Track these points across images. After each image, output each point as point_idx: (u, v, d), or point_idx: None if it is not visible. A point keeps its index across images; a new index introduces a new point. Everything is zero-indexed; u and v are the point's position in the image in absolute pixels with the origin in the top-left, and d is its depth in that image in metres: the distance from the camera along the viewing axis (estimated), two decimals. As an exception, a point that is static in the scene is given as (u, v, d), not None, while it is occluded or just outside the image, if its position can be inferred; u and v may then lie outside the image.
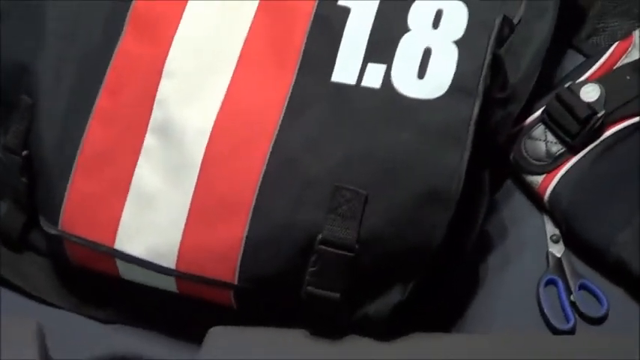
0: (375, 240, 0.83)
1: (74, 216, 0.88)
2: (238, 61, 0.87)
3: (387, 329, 0.86)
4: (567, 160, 0.98)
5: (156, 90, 0.87)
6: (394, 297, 0.85)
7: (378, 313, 0.85)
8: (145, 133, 0.87)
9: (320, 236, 0.82)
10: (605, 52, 1.02)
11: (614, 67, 1.01)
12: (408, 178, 0.82)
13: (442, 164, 0.82)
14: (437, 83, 0.84)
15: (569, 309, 0.93)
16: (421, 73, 0.85)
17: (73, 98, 0.89)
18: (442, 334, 0.89)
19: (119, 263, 0.88)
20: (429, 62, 0.85)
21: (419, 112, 0.84)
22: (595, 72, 1.01)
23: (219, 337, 0.87)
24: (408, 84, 0.84)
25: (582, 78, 1.01)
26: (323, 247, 0.82)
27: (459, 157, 0.82)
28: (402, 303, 0.85)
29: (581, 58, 1.05)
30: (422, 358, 0.86)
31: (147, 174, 0.87)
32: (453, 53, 0.85)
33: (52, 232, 0.89)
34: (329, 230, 0.82)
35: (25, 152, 0.90)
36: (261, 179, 0.84)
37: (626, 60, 1.01)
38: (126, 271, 0.89)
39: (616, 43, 1.02)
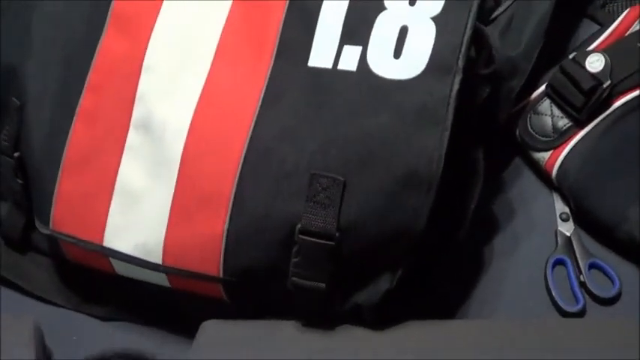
0: (356, 227, 0.80)
1: (64, 216, 0.88)
2: (215, 54, 0.86)
3: (382, 318, 0.84)
4: (574, 134, 0.93)
5: (136, 86, 0.87)
6: (383, 284, 0.82)
7: (368, 302, 0.83)
8: (128, 130, 0.87)
9: (299, 226, 0.80)
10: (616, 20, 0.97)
11: (626, 35, 0.96)
12: (386, 162, 0.80)
13: (420, 146, 0.79)
14: (413, 62, 0.81)
15: (578, 290, 0.90)
16: (397, 53, 0.82)
17: (58, 100, 0.89)
18: (440, 320, 0.86)
19: (112, 260, 0.88)
20: (405, 41, 0.82)
21: (395, 93, 0.81)
22: (604, 41, 0.96)
23: (211, 330, 0.86)
24: (384, 65, 0.82)
25: (590, 48, 0.96)
26: (303, 237, 0.80)
27: (438, 137, 0.79)
28: (392, 290, 0.82)
29: (597, 28, 1.00)
30: (417, 346, 0.83)
31: (131, 171, 0.86)
32: (431, 30, 0.82)
33: (45, 232, 0.89)
34: (307, 219, 0.80)
35: (17, 154, 0.91)
36: (239, 172, 0.82)
37: (638, 27, 0.96)
38: (120, 268, 0.89)
39: (627, 10, 0.97)
